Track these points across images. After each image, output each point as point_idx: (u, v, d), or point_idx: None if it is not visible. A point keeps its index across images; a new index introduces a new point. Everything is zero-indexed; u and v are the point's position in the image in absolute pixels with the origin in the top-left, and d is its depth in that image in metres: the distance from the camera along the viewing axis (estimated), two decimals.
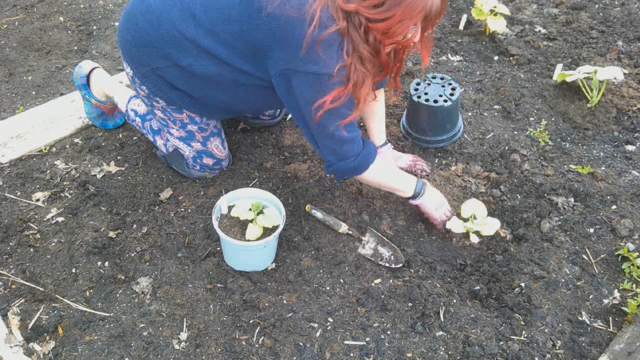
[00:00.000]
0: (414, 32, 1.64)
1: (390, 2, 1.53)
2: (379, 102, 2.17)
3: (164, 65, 1.84)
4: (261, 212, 1.90)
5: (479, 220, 1.96)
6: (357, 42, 1.60)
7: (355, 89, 1.67)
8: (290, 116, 2.52)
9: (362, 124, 2.48)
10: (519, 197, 2.16)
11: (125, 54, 1.93)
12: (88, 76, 2.34)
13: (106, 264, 1.92)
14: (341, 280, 1.90)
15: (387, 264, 1.94)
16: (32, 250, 1.96)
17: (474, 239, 1.95)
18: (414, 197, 1.99)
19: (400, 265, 1.93)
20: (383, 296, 1.84)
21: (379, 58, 1.66)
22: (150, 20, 1.79)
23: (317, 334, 1.75)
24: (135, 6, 1.86)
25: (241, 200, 1.94)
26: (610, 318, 1.79)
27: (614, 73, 2.43)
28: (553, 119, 2.54)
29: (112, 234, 2.02)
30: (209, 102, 1.97)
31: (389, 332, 1.76)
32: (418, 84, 2.38)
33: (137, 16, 1.83)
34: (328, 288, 1.87)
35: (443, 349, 1.72)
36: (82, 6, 3.27)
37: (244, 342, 1.72)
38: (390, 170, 2.04)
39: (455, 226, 1.95)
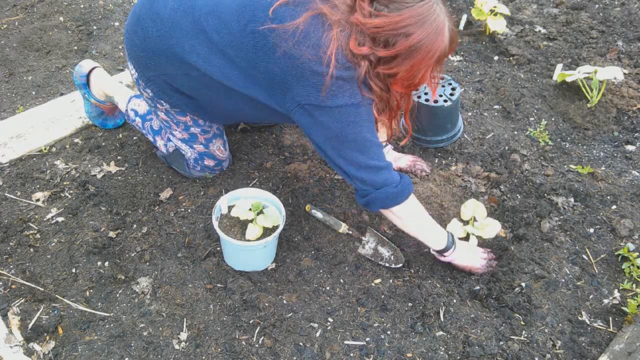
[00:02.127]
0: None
1: (403, 54, 1.49)
2: None
3: (173, 73, 1.80)
4: (261, 212, 1.90)
5: (479, 223, 1.96)
6: (373, 78, 1.56)
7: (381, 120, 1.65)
8: None
9: None
10: (519, 197, 2.16)
11: (132, 57, 1.89)
12: (88, 76, 2.34)
13: (106, 264, 1.92)
14: (341, 280, 1.90)
15: (387, 264, 1.94)
16: (32, 250, 1.96)
17: (474, 242, 1.95)
18: (446, 249, 1.85)
19: (400, 265, 1.93)
20: (383, 296, 1.84)
21: (391, 96, 1.62)
22: (160, 29, 1.73)
23: (317, 334, 1.75)
24: (144, 9, 1.79)
25: (241, 200, 1.94)
26: (610, 318, 1.79)
27: (614, 73, 2.43)
28: (553, 119, 2.54)
29: (112, 234, 2.02)
30: (214, 111, 1.95)
31: (389, 332, 1.76)
32: None
33: (147, 21, 1.77)
34: (328, 288, 1.87)
35: (443, 349, 1.72)
36: (82, 6, 3.27)
37: (244, 342, 1.72)
38: (426, 217, 1.84)
39: (455, 230, 1.95)
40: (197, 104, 1.92)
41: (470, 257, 1.91)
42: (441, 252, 1.87)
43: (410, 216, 1.80)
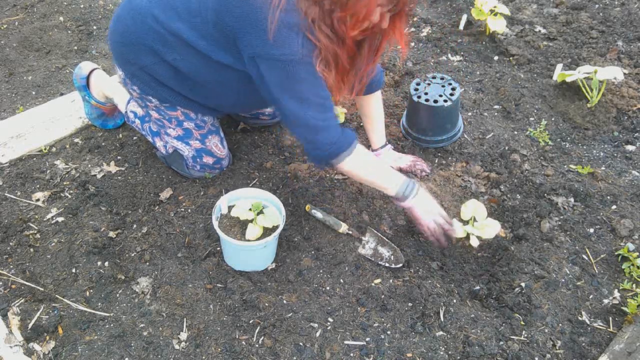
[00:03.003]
0: (381, 18, 1.59)
1: None
2: (376, 104, 2.17)
3: (150, 62, 1.86)
4: (261, 212, 1.90)
5: (479, 223, 1.96)
6: (323, 29, 1.56)
7: (324, 76, 1.65)
8: None
9: (361, 124, 2.48)
10: (519, 197, 2.16)
11: (116, 56, 1.97)
12: (88, 77, 2.34)
13: (106, 264, 1.92)
14: (341, 280, 1.90)
15: (387, 264, 1.94)
16: (32, 250, 1.96)
17: (474, 242, 1.95)
18: (399, 198, 1.86)
19: (400, 265, 1.93)
20: (383, 296, 1.84)
21: (346, 46, 1.62)
22: (134, 17, 1.83)
23: (317, 334, 1.75)
24: (123, 9, 1.90)
25: (241, 200, 1.94)
26: (610, 318, 1.79)
27: (614, 73, 2.43)
28: (553, 119, 2.54)
29: (112, 234, 2.02)
30: (198, 100, 1.99)
31: (389, 332, 1.76)
32: (418, 84, 2.38)
33: (125, 17, 1.88)
34: (328, 288, 1.87)
35: (443, 349, 1.72)
36: (82, 6, 3.27)
37: (244, 342, 1.72)
38: (374, 165, 1.88)
39: (456, 230, 1.95)
40: (181, 95, 1.96)
41: (426, 211, 1.87)
42: (398, 199, 1.88)
43: (353, 174, 1.86)
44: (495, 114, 2.58)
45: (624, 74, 2.66)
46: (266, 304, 1.81)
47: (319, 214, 2.05)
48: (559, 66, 2.69)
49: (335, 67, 1.66)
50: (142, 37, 1.83)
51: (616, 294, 1.85)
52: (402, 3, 1.57)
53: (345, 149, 1.78)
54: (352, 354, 1.70)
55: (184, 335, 1.73)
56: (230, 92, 1.92)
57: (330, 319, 1.79)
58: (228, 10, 1.63)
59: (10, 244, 1.97)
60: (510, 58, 2.89)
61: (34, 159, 2.31)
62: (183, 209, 2.12)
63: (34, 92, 2.70)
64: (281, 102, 1.69)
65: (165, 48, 1.81)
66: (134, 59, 1.89)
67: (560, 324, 1.78)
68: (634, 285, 1.86)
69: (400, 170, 2.24)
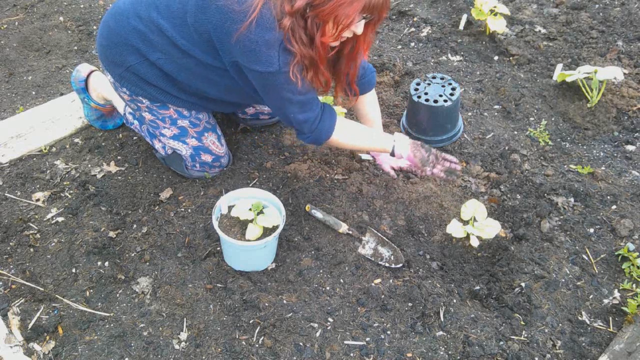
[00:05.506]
0: (358, 25, 1.65)
1: None
2: (370, 104, 2.18)
3: (135, 62, 1.88)
4: (261, 212, 1.90)
5: (479, 223, 1.96)
6: (300, 37, 1.62)
7: (303, 77, 1.72)
8: None
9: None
10: (519, 197, 2.16)
11: (103, 60, 1.99)
12: (86, 80, 2.34)
13: (106, 264, 1.92)
14: (341, 280, 1.90)
15: (387, 264, 1.94)
16: (32, 250, 1.96)
17: (475, 242, 1.95)
18: (396, 154, 2.01)
19: (400, 265, 1.93)
20: (383, 296, 1.84)
21: (323, 52, 1.68)
22: (117, 19, 1.87)
23: (317, 334, 1.75)
24: (108, 13, 1.95)
25: (241, 200, 1.94)
26: (610, 318, 1.79)
27: (614, 73, 2.43)
28: (553, 119, 2.54)
29: (112, 234, 2.02)
30: (185, 99, 2.00)
31: (389, 332, 1.76)
32: (418, 84, 2.38)
33: (109, 20, 1.92)
34: (328, 288, 1.87)
35: (443, 349, 1.72)
36: (82, 6, 3.27)
37: (244, 342, 1.72)
38: (359, 132, 2.01)
39: (456, 230, 1.95)
40: (169, 93, 1.97)
41: (422, 160, 1.99)
42: (394, 155, 2.01)
43: (344, 147, 2.04)
44: (495, 114, 2.58)
45: (624, 74, 2.66)
46: (266, 304, 1.81)
47: (319, 214, 2.05)
48: (559, 66, 2.69)
49: (314, 71, 1.73)
50: (125, 36, 1.85)
51: (616, 294, 1.85)
52: (379, 13, 1.62)
53: (324, 134, 1.90)
54: (352, 354, 1.70)
55: (184, 335, 1.73)
56: (216, 88, 1.94)
57: (330, 319, 1.79)
58: (206, 18, 1.67)
59: (10, 244, 1.97)
60: (510, 58, 2.89)
61: (34, 159, 2.31)
62: (183, 209, 2.12)
63: (34, 92, 2.70)
64: (264, 99, 1.85)
65: (148, 47, 1.83)
66: (120, 60, 1.91)
67: (560, 324, 1.78)
68: (634, 285, 1.86)
69: (401, 170, 2.25)
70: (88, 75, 2.34)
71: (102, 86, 2.33)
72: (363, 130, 2.04)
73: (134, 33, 1.83)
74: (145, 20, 1.81)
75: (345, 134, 1.95)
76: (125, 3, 1.88)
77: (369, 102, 2.17)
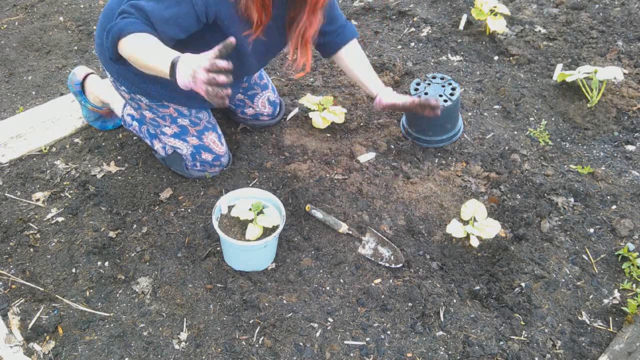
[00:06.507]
0: None
1: None
2: (355, 56, 2.15)
3: None
4: (261, 212, 1.90)
5: (479, 223, 1.96)
6: None
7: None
8: (290, 116, 2.52)
9: (363, 114, 2.49)
10: (519, 197, 2.16)
11: (102, 60, 1.99)
12: (82, 82, 2.34)
13: (106, 264, 1.92)
14: (341, 280, 1.90)
15: (387, 264, 1.94)
16: (32, 250, 1.96)
17: (475, 242, 1.95)
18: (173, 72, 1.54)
19: (400, 265, 1.93)
20: (383, 296, 1.84)
21: None
22: (108, 15, 1.86)
23: (317, 334, 1.75)
24: (101, 12, 1.95)
25: (241, 200, 1.94)
26: (610, 318, 1.79)
27: (614, 73, 2.43)
28: (553, 119, 2.54)
29: (112, 234, 2.02)
30: (180, 91, 1.87)
31: (389, 332, 1.76)
32: (418, 83, 2.38)
33: (101, 18, 1.93)
34: (328, 288, 1.87)
35: (443, 349, 1.72)
36: (82, 6, 3.27)
37: (244, 342, 1.72)
38: (147, 47, 1.61)
39: (456, 230, 1.95)
40: (165, 88, 1.94)
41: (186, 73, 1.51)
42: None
43: (128, 53, 1.62)
44: (495, 114, 2.58)
45: (624, 74, 2.66)
46: (266, 304, 1.81)
47: (319, 214, 2.05)
48: (559, 66, 2.69)
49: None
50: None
51: (616, 294, 1.85)
52: None
53: (119, 31, 1.60)
54: (352, 354, 1.70)
55: (184, 335, 1.73)
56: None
57: (330, 319, 1.79)
58: None
59: (10, 244, 1.97)
60: (510, 58, 2.89)
61: (34, 159, 2.31)
62: (183, 209, 2.12)
63: (34, 92, 2.70)
64: None
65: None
66: (116, 57, 1.87)
67: (560, 324, 1.78)
68: (634, 285, 1.86)
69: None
70: (84, 78, 2.34)
71: (99, 89, 2.33)
72: (152, 47, 1.62)
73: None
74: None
75: (135, 43, 1.62)
76: (114, 1, 1.88)
77: (353, 53, 2.13)
